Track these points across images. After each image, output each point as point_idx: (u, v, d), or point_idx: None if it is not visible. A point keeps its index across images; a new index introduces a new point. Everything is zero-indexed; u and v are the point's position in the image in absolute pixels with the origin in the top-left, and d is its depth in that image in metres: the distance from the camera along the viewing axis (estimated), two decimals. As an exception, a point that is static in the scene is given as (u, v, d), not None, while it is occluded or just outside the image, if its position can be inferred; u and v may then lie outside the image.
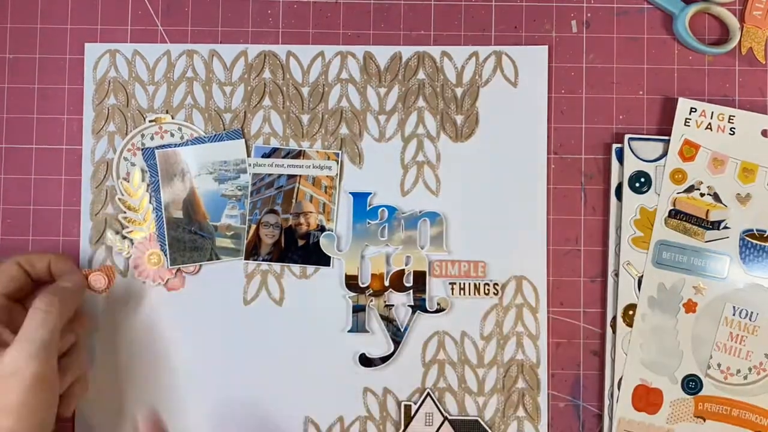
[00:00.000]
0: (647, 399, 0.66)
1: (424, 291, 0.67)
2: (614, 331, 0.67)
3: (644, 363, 0.66)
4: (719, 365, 0.66)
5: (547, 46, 0.68)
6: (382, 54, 0.68)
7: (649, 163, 0.67)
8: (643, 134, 0.68)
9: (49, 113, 0.69)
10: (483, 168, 0.68)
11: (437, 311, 0.67)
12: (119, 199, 0.68)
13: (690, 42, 0.68)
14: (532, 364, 0.67)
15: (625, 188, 0.67)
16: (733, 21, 0.68)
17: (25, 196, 0.69)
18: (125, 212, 0.67)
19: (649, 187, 0.67)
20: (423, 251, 0.67)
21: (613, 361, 0.66)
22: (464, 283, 0.67)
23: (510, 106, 0.68)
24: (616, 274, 0.67)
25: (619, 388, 0.66)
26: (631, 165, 0.67)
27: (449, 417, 0.66)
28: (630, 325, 0.66)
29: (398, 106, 0.68)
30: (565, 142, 0.68)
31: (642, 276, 0.66)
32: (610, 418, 0.66)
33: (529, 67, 0.68)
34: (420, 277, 0.67)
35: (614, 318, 0.67)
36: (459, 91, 0.68)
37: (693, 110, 0.67)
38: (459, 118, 0.68)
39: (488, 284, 0.67)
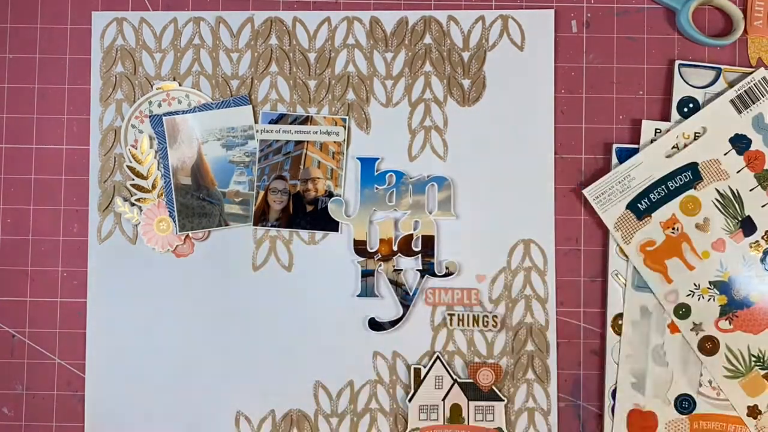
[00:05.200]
0: (642, 423, 0.66)
1: (432, 255, 0.67)
2: (615, 332, 0.67)
3: (636, 387, 0.66)
4: (710, 382, 0.66)
5: (553, 10, 0.68)
6: (389, 19, 0.68)
7: (699, 89, 0.67)
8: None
9: (53, 83, 0.69)
10: (490, 132, 0.68)
11: (446, 275, 0.67)
12: (128, 166, 0.68)
13: (694, 35, 0.68)
14: (541, 326, 0.67)
15: (674, 113, 0.66)
16: (736, 12, 0.68)
17: (27, 165, 0.69)
18: (134, 179, 0.68)
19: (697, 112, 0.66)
20: (431, 216, 0.67)
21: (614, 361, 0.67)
22: (463, 314, 0.67)
23: (517, 69, 0.68)
24: (617, 274, 0.67)
25: (612, 396, 0.66)
26: (680, 91, 0.67)
27: (459, 380, 0.67)
28: (619, 333, 0.66)
29: (405, 71, 0.68)
30: (565, 142, 0.68)
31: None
32: (611, 419, 0.66)
33: (535, 31, 0.68)
34: (428, 242, 0.67)
35: (614, 318, 0.67)
36: (466, 55, 0.68)
37: (657, 131, 0.67)
38: (466, 83, 0.68)
39: (487, 316, 0.67)
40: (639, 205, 0.66)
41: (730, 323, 0.65)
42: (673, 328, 0.66)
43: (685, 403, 0.66)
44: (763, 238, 0.65)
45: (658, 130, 0.67)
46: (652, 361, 0.66)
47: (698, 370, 0.66)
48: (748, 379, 0.65)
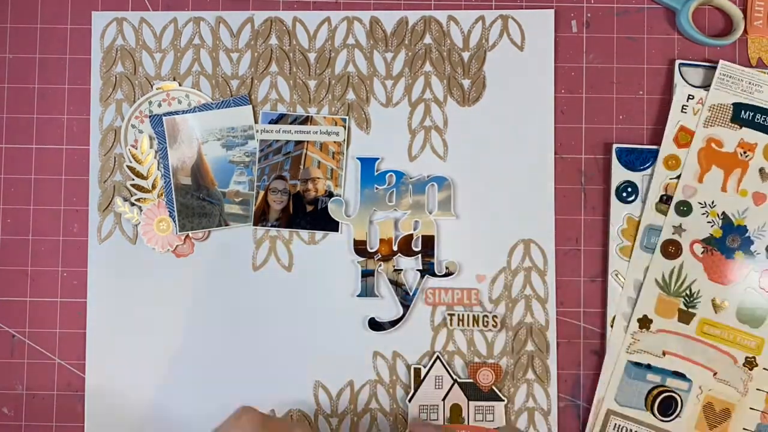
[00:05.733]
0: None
1: (432, 255, 0.67)
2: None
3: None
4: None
5: (553, 10, 0.68)
6: (389, 19, 0.68)
7: (699, 88, 0.67)
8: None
9: (53, 83, 0.69)
10: (490, 132, 0.68)
11: (446, 275, 0.67)
12: (128, 166, 0.68)
13: (694, 35, 0.68)
14: (541, 326, 0.67)
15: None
16: (736, 12, 0.68)
17: (27, 165, 0.69)
18: (134, 179, 0.68)
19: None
20: (431, 216, 0.67)
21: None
22: (463, 314, 0.67)
23: (517, 69, 0.68)
24: (617, 274, 0.67)
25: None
26: (684, 91, 0.67)
27: (459, 380, 0.67)
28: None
29: (405, 70, 0.68)
30: (565, 142, 0.68)
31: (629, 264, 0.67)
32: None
33: (535, 31, 0.68)
34: (428, 242, 0.67)
35: (614, 318, 0.67)
36: (466, 55, 0.68)
37: (690, 97, 0.67)
38: (466, 83, 0.68)
39: (487, 316, 0.67)
40: (743, 111, 0.66)
41: (702, 252, 0.65)
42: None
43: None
44: None
45: (691, 96, 0.67)
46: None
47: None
48: (667, 299, 0.65)
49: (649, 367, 0.65)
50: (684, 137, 0.66)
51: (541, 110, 0.68)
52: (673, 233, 0.66)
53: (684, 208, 0.66)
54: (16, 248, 0.69)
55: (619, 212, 0.67)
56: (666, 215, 0.66)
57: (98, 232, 0.68)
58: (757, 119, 0.66)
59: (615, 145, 0.68)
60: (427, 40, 0.68)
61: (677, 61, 0.68)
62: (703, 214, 0.66)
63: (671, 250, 0.65)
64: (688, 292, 0.65)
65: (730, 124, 0.66)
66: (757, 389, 0.65)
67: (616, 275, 0.67)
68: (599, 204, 0.68)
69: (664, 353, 0.65)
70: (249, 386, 0.67)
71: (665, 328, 0.65)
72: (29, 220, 0.69)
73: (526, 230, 0.68)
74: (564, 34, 0.69)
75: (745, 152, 0.66)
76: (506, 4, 0.69)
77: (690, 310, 0.65)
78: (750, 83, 0.66)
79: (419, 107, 0.68)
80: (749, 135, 0.66)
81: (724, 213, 0.66)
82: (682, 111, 0.67)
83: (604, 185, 0.68)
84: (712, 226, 0.66)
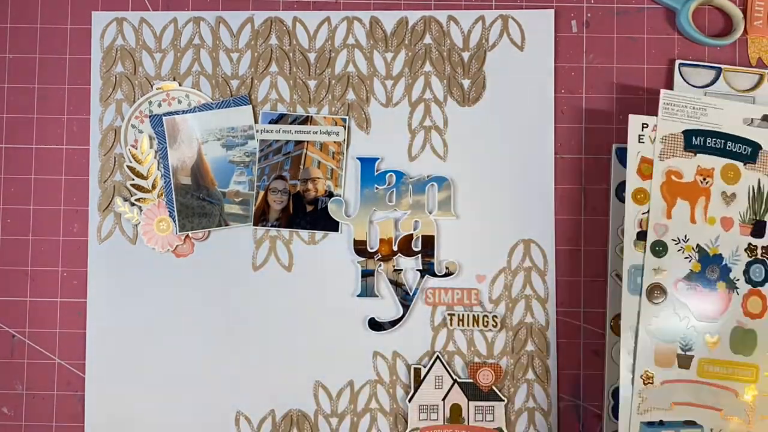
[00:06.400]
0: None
1: (432, 255, 0.67)
2: (614, 332, 0.67)
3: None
4: None
5: (553, 10, 0.68)
6: (389, 19, 0.68)
7: (699, 88, 0.67)
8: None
9: (53, 83, 0.69)
10: (490, 132, 0.68)
11: (446, 275, 0.67)
12: (128, 166, 0.68)
13: (694, 35, 0.68)
14: (541, 326, 0.67)
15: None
16: (736, 12, 0.68)
17: (27, 165, 0.69)
18: (134, 179, 0.68)
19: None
20: (431, 216, 0.67)
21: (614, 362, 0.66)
22: (463, 314, 0.67)
23: (517, 69, 0.68)
24: (617, 275, 0.67)
25: (612, 396, 0.66)
26: (681, 90, 0.67)
27: (459, 380, 0.67)
28: (619, 333, 0.66)
29: (405, 70, 0.68)
30: (566, 143, 0.68)
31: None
32: (610, 419, 0.66)
33: (535, 31, 0.68)
34: (428, 242, 0.67)
35: (614, 318, 0.67)
36: (466, 55, 0.68)
37: (645, 126, 0.65)
38: (466, 82, 0.68)
39: (487, 316, 0.67)
40: (694, 138, 0.65)
41: (687, 290, 0.65)
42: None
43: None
44: (763, 249, 0.65)
45: (645, 125, 0.65)
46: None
47: None
48: (664, 347, 0.64)
49: (661, 423, 0.64)
50: (647, 168, 0.65)
51: (541, 110, 0.68)
52: (655, 276, 0.65)
53: (659, 248, 0.65)
54: (16, 248, 0.69)
55: (619, 212, 0.67)
56: (644, 254, 0.65)
57: (98, 232, 0.68)
58: (709, 143, 0.65)
59: (615, 145, 0.67)
60: (427, 40, 0.68)
61: (677, 61, 0.68)
62: (679, 250, 0.65)
63: (656, 294, 0.65)
64: (682, 335, 0.65)
65: (684, 153, 0.65)
66: (761, 417, 0.64)
67: (616, 275, 0.67)
68: (599, 204, 0.68)
69: (672, 405, 0.64)
70: (248, 386, 0.67)
71: (668, 379, 0.64)
72: (29, 220, 0.69)
73: (526, 230, 0.68)
74: (564, 34, 0.69)
75: (704, 179, 0.65)
76: (506, 4, 0.69)
77: (687, 353, 0.64)
78: (694, 108, 0.65)
79: (419, 107, 0.68)
80: (705, 160, 0.65)
81: (698, 245, 0.65)
82: (639, 141, 0.65)
83: (605, 185, 0.68)
84: (689, 261, 0.65)
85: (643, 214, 0.65)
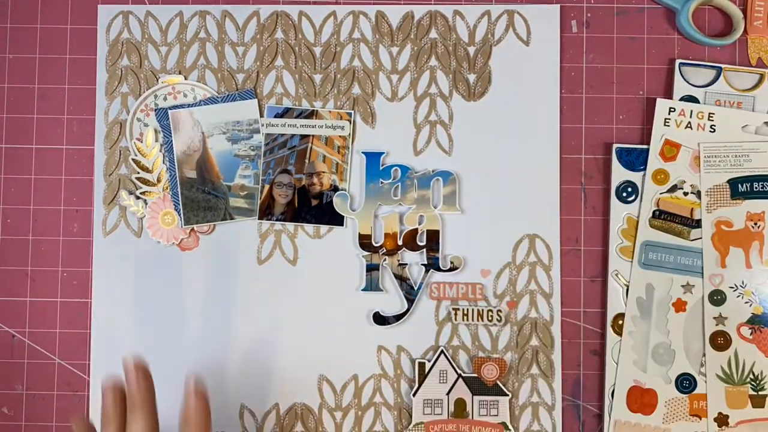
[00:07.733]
0: (642, 400, 0.66)
1: (437, 249, 0.67)
2: (614, 331, 0.67)
3: (637, 365, 0.66)
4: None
5: (558, 6, 0.69)
6: (394, 13, 0.69)
7: (699, 88, 0.67)
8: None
9: (53, 83, 0.69)
10: (496, 126, 0.68)
11: (450, 269, 0.67)
12: (133, 159, 0.68)
13: (694, 35, 0.68)
14: (546, 322, 0.67)
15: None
16: (736, 12, 0.68)
17: (28, 165, 0.69)
18: (139, 172, 0.68)
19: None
20: (436, 210, 0.67)
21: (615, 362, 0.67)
22: (468, 309, 0.67)
23: (522, 64, 0.68)
24: (617, 274, 0.67)
25: (612, 396, 0.66)
26: (681, 90, 0.67)
27: (463, 374, 0.66)
28: (619, 333, 0.66)
29: (410, 65, 0.68)
30: (565, 142, 0.68)
31: (629, 283, 0.67)
32: (610, 418, 0.66)
33: (541, 26, 0.68)
34: (433, 236, 0.67)
35: (614, 318, 0.67)
36: (471, 49, 0.68)
37: (672, 110, 0.67)
38: (471, 77, 0.68)
39: (492, 311, 0.67)
40: (739, 185, 0.65)
41: (751, 333, 0.65)
42: (678, 307, 0.66)
43: (686, 383, 0.65)
44: None
45: (672, 109, 0.66)
46: (655, 339, 0.66)
47: (701, 349, 0.66)
48: (735, 389, 0.65)
49: None
50: (670, 150, 0.66)
51: (546, 105, 0.68)
52: (716, 325, 0.65)
53: (717, 297, 0.65)
54: (16, 248, 0.69)
55: (619, 212, 0.67)
56: (660, 231, 0.66)
57: (103, 225, 0.68)
58: (756, 188, 0.65)
59: (615, 145, 0.68)
60: (433, 34, 0.68)
61: (677, 61, 0.68)
62: (738, 297, 0.65)
63: (720, 342, 0.65)
64: (752, 376, 0.65)
65: (731, 201, 0.66)
66: None
67: (616, 275, 0.67)
68: (599, 204, 0.68)
69: None
70: (253, 380, 0.67)
71: (743, 419, 0.65)
72: (29, 220, 0.69)
73: (531, 225, 0.68)
74: (564, 34, 0.69)
75: (755, 224, 0.65)
76: (511, -1, 0.69)
77: (760, 393, 0.65)
78: (736, 156, 0.66)
79: (425, 102, 0.68)
80: (753, 205, 0.65)
81: (757, 288, 0.65)
82: (665, 125, 0.66)
83: (604, 185, 0.68)
84: (750, 305, 0.65)
85: (661, 193, 0.66)
